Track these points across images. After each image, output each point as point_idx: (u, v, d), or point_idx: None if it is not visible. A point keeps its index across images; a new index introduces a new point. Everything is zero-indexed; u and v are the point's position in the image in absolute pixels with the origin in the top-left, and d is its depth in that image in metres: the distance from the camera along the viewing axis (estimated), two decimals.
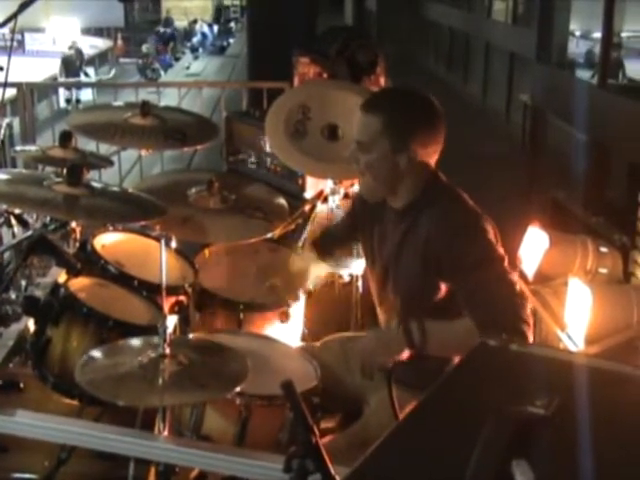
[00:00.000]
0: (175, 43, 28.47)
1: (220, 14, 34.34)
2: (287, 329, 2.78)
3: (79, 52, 21.91)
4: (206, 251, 2.97)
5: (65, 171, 2.37)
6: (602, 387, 1.18)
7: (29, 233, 2.57)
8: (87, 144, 3.34)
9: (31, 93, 6.01)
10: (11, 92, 5.71)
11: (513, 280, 2.17)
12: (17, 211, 2.93)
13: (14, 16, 2.77)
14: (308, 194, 3.76)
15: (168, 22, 30.65)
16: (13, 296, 2.68)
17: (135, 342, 2.16)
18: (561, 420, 1.03)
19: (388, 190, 2.32)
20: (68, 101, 16.30)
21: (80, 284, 2.43)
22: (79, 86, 17.44)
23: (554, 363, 1.25)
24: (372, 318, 3.05)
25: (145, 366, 2.01)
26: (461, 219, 2.25)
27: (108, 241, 2.74)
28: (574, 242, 3.41)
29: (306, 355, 2.47)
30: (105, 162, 3.33)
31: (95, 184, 2.47)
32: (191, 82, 12.10)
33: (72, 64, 21.19)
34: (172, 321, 2.48)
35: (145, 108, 2.90)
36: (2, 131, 5.31)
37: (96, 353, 2.11)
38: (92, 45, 25.64)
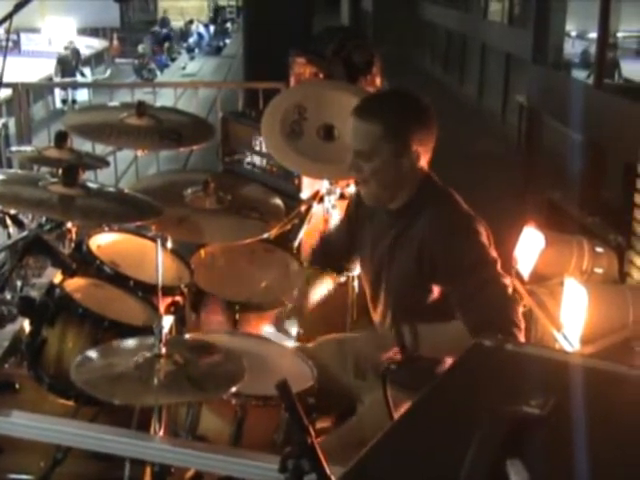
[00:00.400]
0: (171, 43, 28.46)
1: (216, 14, 34.32)
2: (282, 329, 2.77)
3: (75, 52, 21.88)
4: (202, 251, 2.97)
5: (61, 171, 2.36)
6: (597, 387, 1.19)
7: (24, 234, 2.57)
8: (83, 144, 3.34)
9: (27, 93, 6.01)
10: (7, 92, 5.71)
11: (505, 283, 2.17)
12: (12, 212, 2.93)
13: (9, 16, 2.76)
14: (304, 194, 3.76)
15: (164, 22, 30.64)
16: (8, 297, 2.68)
17: (131, 342, 2.16)
18: (556, 420, 1.03)
19: (392, 194, 2.32)
20: (64, 101, 16.29)
21: (76, 285, 2.43)
22: (75, 86, 17.42)
23: (549, 363, 1.25)
24: (367, 318, 3.05)
25: (141, 366, 2.01)
26: (454, 222, 2.25)
27: (104, 241, 2.74)
28: (570, 242, 3.42)
29: (302, 355, 2.47)
30: (101, 162, 3.33)
31: (91, 184, 2.47)
32: (187, 82, 12.09)
33: (68, 64, 21.15)
34: (168, 321, 2.47)
35: (141, 108, 2.90)
36: None
37: (91, 353, 2.11)
38: (88, 45, 25.62)
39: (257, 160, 4.21)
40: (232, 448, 2.13)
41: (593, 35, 7.53)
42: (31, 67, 18.62)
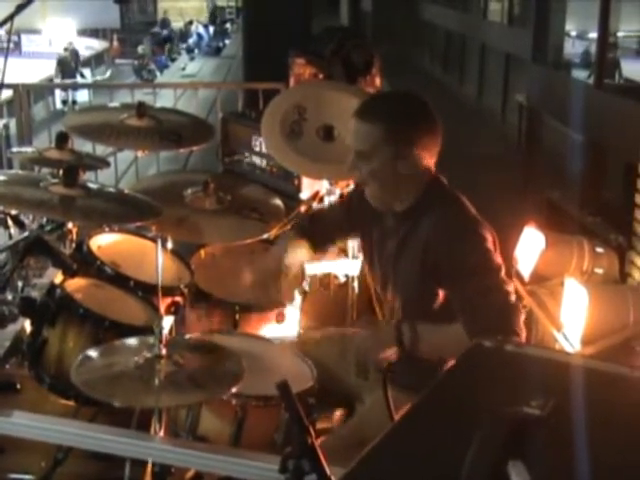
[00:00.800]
0: (172, 44, 28.48)
1: (214, 16, 34.33)
2: (283, 330, 2.78)
3: (75, 53, 21.90)
4: (202, 252, 2.98)
5: (61, 172, 2.37)
6: (598, 388, 1.18)
7: (25, 234, 2.58)
8: (83, 145, 3.35)
9: (27, 94, 6.01)
10: (7, 93, 5.72)
11: (508, 290, 2.16)
12: (14, 212, 2.94)
13: (11, 17, 2.77)
14: (304, 195, 3.76)
15: (165, 23, 30.68)
16: (9, 297, 2.68)
17: (131, 342, 2.16)
18: (557, 421, 1.03)
19: (394, 196, 2.31)
20: (64, 102, 16.29)
21: (76, 285, 2.43)
22: (75, 87, 17.41)
23: (550, 364, 1.25)
24: (367, 318, 3.06)
25: (141, 366, 2.01)
26: (460, 226, 2.24)
27: (104, 242, 2.74)
28: (570, 242, 3.41)
29: (301, 355, 2.47)
30: (101, 163, 3.33)
31: (91, 185, 2.47)
32: (187, 83, 12.09)
33: (68, 65, 21.18)
34: (168, 322, 2.48)
35: (141, 109, 2.90)
36: None
37: (92, 353, 2.11)
38: (88, 46, 25.65)
39: (257, 160, 4.22)
40: (232, 448, 2.14)
41: (593, 35, 7.53)
42: (32, 68, 18.64)
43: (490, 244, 2.20)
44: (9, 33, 3.05)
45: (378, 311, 2.52)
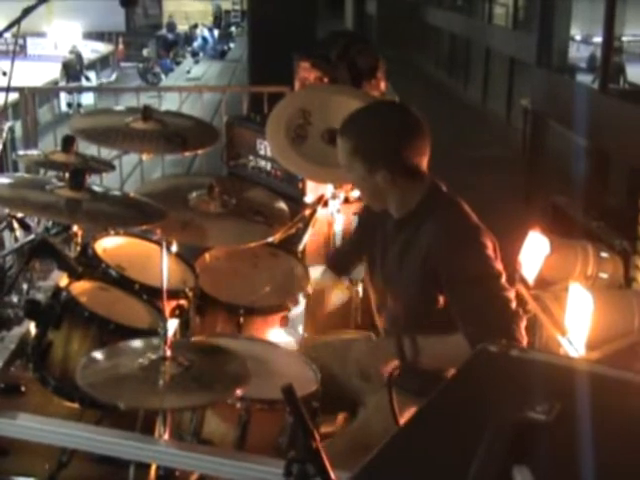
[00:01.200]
0: (178, 48, 28.56)
1: (219, 19, 34.40)
2: (287, 333, 2.78)
3: (79, 56, 21.97)
4: (206, 255, 2.98)
5: (67, 175, 2.37)
6: (603, 393, 1.18)
7: (31, 237, 2.59)
8: (87, 148, 3.35)
9: (33, 97, 6.02)
10: (13, 96, 5.73)
11: (509, 298, 2.15)
12: (19, 215, 2.95)
13: (17, 21, 2.78)
14: (308, 198, 3.77)
15: (171, 27, 30.76)
16: (15, 299, 2.69)
17: (136, 344, 2.17)
18: (562, 426, 1.03)
19: (383, 204, 2.34)
20: (69, 105, 16.34)
21: (81, 288, 2.43)
22: (81, 90, 17.46)
23: (555, 369, 1.25)
24: (371, 323, 3.06)
25: (146, 368, 2.01)
26: (461, 233, 2.23)
27: (109, 245, 2.75)
28: (575, 247, 3.41)
29: (306, 359, 2.47)
30: (107, 166, 3.34)
31: (97, 188, 2.47)
32: (192, 87, 12.12)
33: (73, 68, 21.25)
34: (173, 325, 2.48)
35: (147, 113, 2.91)
36: (4, 135, 5.32)
37: (97, 355, 2.11)
38: (93, 49, 25.74)
39: (261, 164, 4.22)
40: (236, 452, 2.13)
41: (598, 39, 7.53)
42: (37, 71, 18.69)
43: (490, 251, 2.20)
44: (16, 36, 3.06)
45: (377, 320, 2.53)
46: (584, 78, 9.00)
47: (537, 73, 8.14)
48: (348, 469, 1.31)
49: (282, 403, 2.05)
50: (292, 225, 3.04)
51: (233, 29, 32.52)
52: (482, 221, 2.28)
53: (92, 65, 23.54)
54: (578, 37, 9.82)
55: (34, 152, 3.68)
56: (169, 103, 6.66)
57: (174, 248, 2.77)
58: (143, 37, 29.77)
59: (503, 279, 2.18)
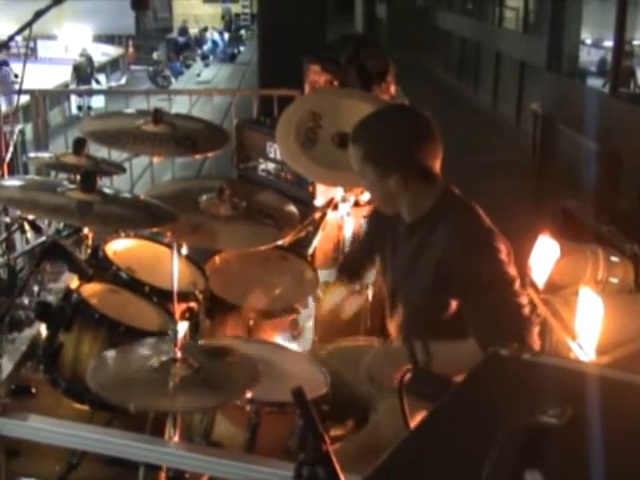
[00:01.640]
0: (188, 51, 28.65)
1: (229, 24, 34.48)
2: (296, 336, 2.78)
3: (89, 59, 22.05)
4: (216, 258, 2.98)
5: (78, 178, 2.38)
6: (614, 397, 1.18)
7: (42, 239, 2.60)
8: (97, 150, 3.36)
9: (44, 100, 6.05)
10: (24, 99, 5.76)
11: (522, 303, 2.15)
12: (30, 217, 2.96)
13: (29, 24, 2.79)
14: (318, 202, 3.77)
15: (184, 31, 30.87)
16: (26, 301, 2.70)
17: (146, 346, 2.17)
18: (573, 430, 1.03)
19: (393, 208, 2.34)
20: (80, 108, 16.41)
21: (92, 290, 2.44)
22: (91, 93, 17.53)
23: (566, 373, 1.25)
24: (381, 327, 3.05)
25: (156, 370, 2.02)
26: (475, 237, 2.22)
27: (120, 247, 2.75)
28: (585, 251, 3.40)
29: (315, 362, 2.48)
30: (117, 169, 3.35)
31: (107, 191, 2.48)
32: (202, 90, 12.14)
33: (83, 71, 21.34)
34: (183, 327, 2.49)
35: (157, 115, 2.91)
36: (15, 137, 5.34)
37: (107, 357, 2.12)
38: (104, 52, 25.83)
39: (271, 167, 4.23)
40: (246, 454, 2.13)
41: (608, 43, 7.51)
42: (48, 74, 18.77)
43: (504, 255, 2.19)
44: (27, 40, 3.07)
45: (389, 324, 2.52)
46: (594, 82, 8.97)
47: (547, 77, 8.13)
48: (358, 472, 1.31)
49: (292, 406, 2.05)
50: (302, 228, 3.04)
51: (243, 32, 32.59)
52: (493, 225, 2.27)
53: (102, 68, 23.63)
54: (588, 41, 9.80)
55: (45, 154, 3.70)
56: (179, 106, 6.67)
57: (184, 251, 2.78)
58: (153, 40, 29.87)
59: (517, 284, 2.17)
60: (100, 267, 2.59)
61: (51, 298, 2.63)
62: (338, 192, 3.28)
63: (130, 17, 27.37)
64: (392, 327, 2.50)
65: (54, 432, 2.13)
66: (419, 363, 2.18)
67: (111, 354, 2.14)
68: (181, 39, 29.64)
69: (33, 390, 2.49)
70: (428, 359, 2.18)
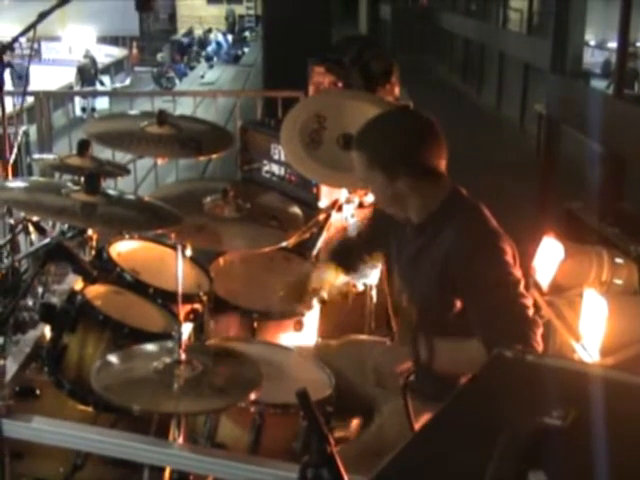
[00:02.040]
0: (193, 52, 28.69)
1: (234, 23, 34.53)
2: (301, 338, 2.78)
3: (93, 61, 22.09)
4: (221, 259, 2.98)
5: (83, 179, 2.38)
6: (618, 399, 1.18)
7: (46, 241, 2.60)
8: (101, 152, 3.37)
9: (47, 101, 6.06)
10: (28, 100, 5.76)
11: (526, 304, 2.15)
12: (35, 219, 2.96)
13: (33, 26, 2.80)
14: (323, 203, 3.77)
15: (189, 32, 30.94)
16: (30, 303, 2.71)
17: (150, 348, 2.17)
18: (578, 431, 1.03)
19: (404, 210, 2.33)
20: (84, 109, 16.42)
21: (96, 291, 2.45)
22: (96, 95, 17.55)
23: (570, 375, 1.25)
24: (385, 327, 3.05)
25: (160, 372, 2.02)
26: (482, 238, 2.23)
27: (124, 249, 2.76)
28: (589, 253, 3.39)
29: (320, 364, 2.48)
30: (122, 170, 3.35)
31: (111, 192, 2.48)
32: (206, 91, 12.13)
33: (87, 72, 21.37)
34: (187, 329, 2.49)
35: (162, 117, 2.92)
36: (19, 139, 5.35)
37: (111, 358, 2.12)
38: (107, 54, 25.85)
39: (276, 169, 4.23)
40: (250, 456, 2.14)
41: (612, 44, 7.51)
42: (52, 75, 18.79)
43: (510, 257, 2.20)
44: (32, 41, 3.07)
45: (393, 323, 2.52)
46: (598, 83, 8.97)
47: (551, 78, 8.11)
48: (362, 474, 1.31)
49: (296, 407, 2.05)
50: (306, 230, 3.04)
51: (247, 34, 32.61)
52: (499, 226, 2.27)
53: (106, 69, 23.65)
54: (593, 42, 9.79)
55: (49, 156, 3.70)
56: (183, 108, 6.69)
57: (188, 252, 2.78)
58: (157, 42, 29.91)
59: (521, 286, 2.18)
60: (104, 269, 2.59)
61: (55, 300, 2.63)
62: (342, 194, 3.29)
63: (134, 18, 27.43)
64: (396, 324, 2.50)
65: (58, 434, 2.13)
66: (421, 360, 2.18)
67: (115, 356, 2.14)
68: (183, 40, 29.69)
69: (37, 392, 2.48)
70: (430, 357, 2.18)
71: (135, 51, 29.01)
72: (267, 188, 3.55)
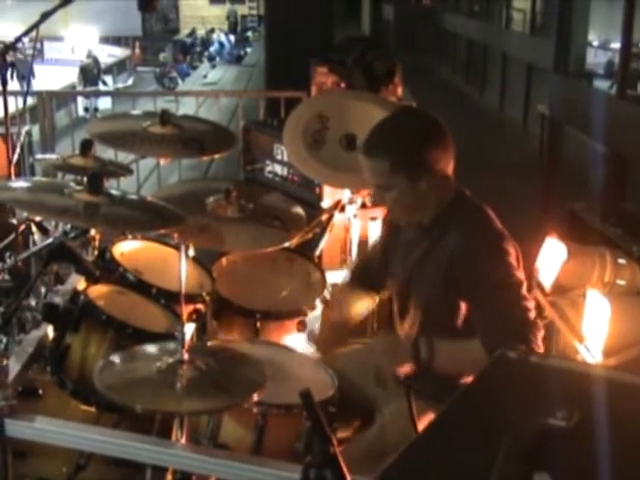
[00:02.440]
0: (196, 52, 28.72)
1: (236, 23, 34.55)
2: (304, 338, 2.78)
3: (96, 61, 22.10)
4: (223, 260, 2.98)
5: (85, 179, 2.38)
6: (621, 399, 1.18)
7: (49, 241, 2.60)
8: (103, 152, 3.37)
9: (50, 101, 6.06)
10: (30, 100, 5.77)
11: (528, 306, 2.15)
12: (37, 219, 2.96)
13: (36, 26, 2.80)
14: (325, 203, 3.77)
15: (192, 32, 30.97)
16: (33, 303, 2.70)
17: (153, 348, 2.17)
18: (581, 432, 1.03)
19: (419, 214, 2.33)
20: (86, 109, 16.43)
21: (99, 292, 2.44)
22: (98, 95, 17.55)
23: (573, 375, 1.25)
24: (388, 328, 3.05)
25: (163, 372, 2.02)
26: (484, 240, 2.24)
27: (127, 249, 2.76)
28: (592, 254, 3.39)
29: (322, 364, 2.47)
30: (125, 170, 3.35)
31: (114, 192, 2.48)
32: (209, 91, 12.15)
33: (90, 72, 21.39)
34: (190, 329, 2.49)
35: (164, 117, 2.91)
36: (22, 139, 5.35)
37: (114, 358, 2.12)
38: (110, 54, 25.86)
39: (278, 169, 4.23)
40: (253, 456, 2.14)
41: (616, 45, 7.50)
42: (54, 75, 18.81)
43: (513, 259, 2.20)
44: (34, 41, 3.08)
45: (397, 324, 2.52)
46: (602, 84, 8.96)
47: (554, 79, 8.11)
48: (365, 475, 1.31)
49: (299, 408, 2.05)
50: (309, 230, 3.04)
51: (250, 34, 32.62)
52: (503, 228, 2.28)
53: (109, 69, 23.67)
54: (596, 43, 9.78)
55: (52, 156, 3.70)
56: (186, 108, 6.68)
57: (191, 252, 2.78)
58: (160, 42, 29.93)
59: (524, 288, 2.18)
60: (107, 269, 2.59)
61: (58, 300, 2.63)
62: (345, 194, 3.29)
63: (137, 18, 27.44)
64: (401, 328, 2.50)
65: (61, 433, 2.13)
66: (422, 359, 2.18)
67: (118, 356, 2.14)
68: (186, 40, 29.73)
69: (40, 392, 2.49)
70: (431, 356, 2.18)
71: (138, 51, 29.03)
72: (270, 188, 3.55)
